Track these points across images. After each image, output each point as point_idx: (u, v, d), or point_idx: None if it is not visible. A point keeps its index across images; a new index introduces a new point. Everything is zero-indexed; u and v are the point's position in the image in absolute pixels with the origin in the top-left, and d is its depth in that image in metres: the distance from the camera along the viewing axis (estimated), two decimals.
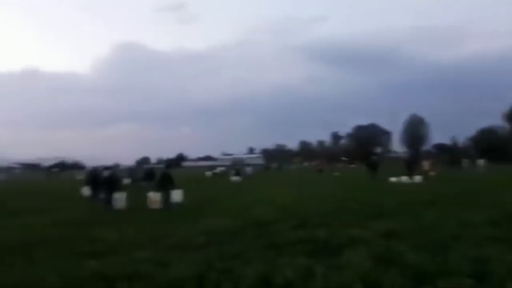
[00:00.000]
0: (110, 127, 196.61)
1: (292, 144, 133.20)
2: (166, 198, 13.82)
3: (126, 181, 24.60)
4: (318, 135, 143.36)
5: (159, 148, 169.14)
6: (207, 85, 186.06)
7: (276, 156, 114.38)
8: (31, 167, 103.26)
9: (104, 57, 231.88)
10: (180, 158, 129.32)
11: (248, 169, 45.37)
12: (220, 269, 5.19)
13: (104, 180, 15.37)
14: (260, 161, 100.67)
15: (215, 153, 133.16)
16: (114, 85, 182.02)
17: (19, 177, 57.32)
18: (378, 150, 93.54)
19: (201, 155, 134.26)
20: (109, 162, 55.57)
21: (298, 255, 5.86)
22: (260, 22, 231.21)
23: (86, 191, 19.09)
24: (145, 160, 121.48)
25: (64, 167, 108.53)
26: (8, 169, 70.26)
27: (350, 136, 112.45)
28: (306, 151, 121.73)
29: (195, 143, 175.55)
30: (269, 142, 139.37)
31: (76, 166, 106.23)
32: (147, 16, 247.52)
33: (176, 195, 14.45)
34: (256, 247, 6.68)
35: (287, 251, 6.22)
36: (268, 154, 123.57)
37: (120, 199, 13.84)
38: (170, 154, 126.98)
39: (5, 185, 24.88)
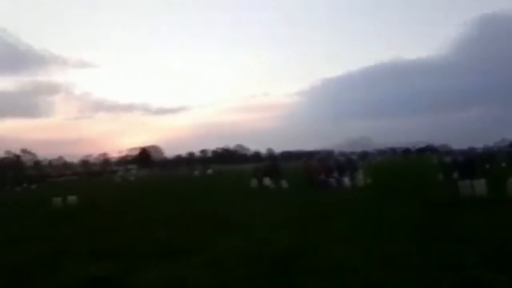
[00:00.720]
0: (467, 108, 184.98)
1: None
2: None
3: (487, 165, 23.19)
4: None
5: None
6: None
7: None
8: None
9: (459, 36, 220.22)
10: None
11: None
12: None
13: (456, 164, 15.42)
14: None
15: None
16: (472, 64, 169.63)
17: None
18: None
19: None
20: (464, 145, 52.70)
21: None
22: None
23: (440, 175, 19.37)
24: (504, 142, 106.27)
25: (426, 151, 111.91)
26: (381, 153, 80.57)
27: None
28: None
29: None
30: None
31: (429, 149, 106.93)
32: None
33: None
34: None
35: None
36: None
37: (479, 185, 12.72)
38: None
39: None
